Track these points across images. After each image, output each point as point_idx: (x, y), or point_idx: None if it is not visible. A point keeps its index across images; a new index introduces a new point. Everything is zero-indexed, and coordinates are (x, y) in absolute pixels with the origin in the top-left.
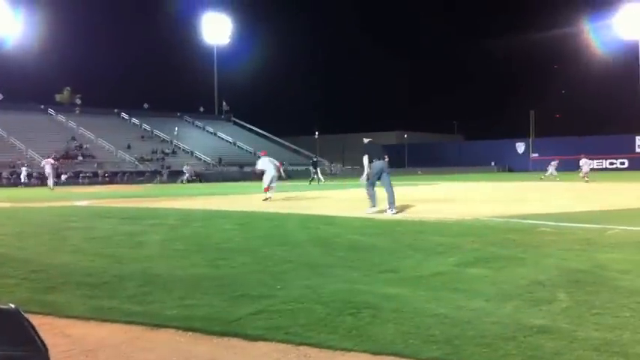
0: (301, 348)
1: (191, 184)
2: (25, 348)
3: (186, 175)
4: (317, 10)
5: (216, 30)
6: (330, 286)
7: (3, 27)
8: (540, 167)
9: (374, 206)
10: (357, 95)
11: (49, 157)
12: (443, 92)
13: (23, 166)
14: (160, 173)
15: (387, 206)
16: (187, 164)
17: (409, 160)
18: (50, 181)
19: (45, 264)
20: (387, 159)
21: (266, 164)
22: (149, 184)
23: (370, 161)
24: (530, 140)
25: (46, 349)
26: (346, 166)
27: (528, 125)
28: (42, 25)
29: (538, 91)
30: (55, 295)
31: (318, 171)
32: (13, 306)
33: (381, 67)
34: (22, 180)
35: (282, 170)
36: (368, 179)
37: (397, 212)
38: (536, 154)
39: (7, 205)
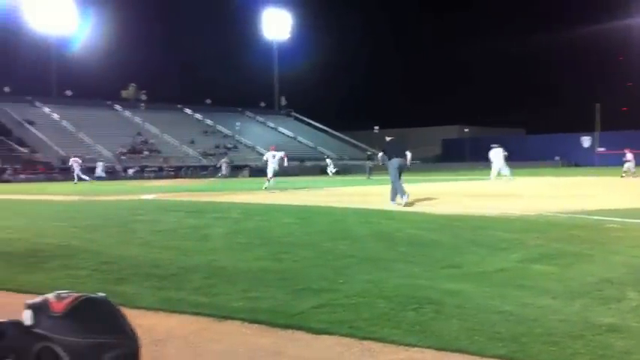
0: (365, 342)
1: (249, 179)
2: (116, 336)
3: (223, 171)
4: (376, 2)
5: (277, 25)
6: (392, 281)
7: (71, 26)
8: (607, 162)
9: (402, 196)
10: (418, 89)
11: (75, 156)
12: (505, 85)
13: (100, 160)
14: (222, 168)
15: (390, 198)
16: (224, 160)
17: (470, 155)
18: (76, 177)
19: (114, 256)
20: (408, 156)
21: (270, 157)
22: (211, 179)
23: (389, 158)
24: (597, 134)
25: (136, 338)
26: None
27: (593, 119)
28: (108, 24)
29: (603, 83)
30: (125, 286)
31: (367, 166)
32: (102, 294)
33: (442, 60)
34: (99, 175)
35: (285, 161)
36: (394, 174)
37: (399, 205)
38: (603, 148)
39: (76, 198)
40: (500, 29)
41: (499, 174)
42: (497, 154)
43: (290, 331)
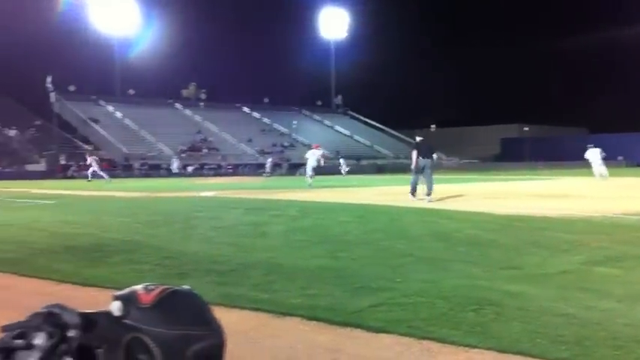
0: (424, 342)
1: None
2: (203, 328)
3: (267, 170)
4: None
5: (334, 24)
6: (450, 281)
7: (134, 27)
8: None
9: (411, 193)
10: (476, 87)
11: (91, 155)
12: (566, 84)
13: (174, 157)
14: (279, 166)
15: (426, 194)
16: (270, 159)
17: (530, 154)
18: (92, 174)
19: (176, 251)
20: (435, 157)
21: (310, 155)
22: (269, 176)
23: (418, 157)
24: None
25: (222, 330)
26: (464, 160)
27: None
28: (169, 24)
29: None
30: (186, 281)
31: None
32: (188, 287)
33: (501, 58)
34: (175, 171)
35: (322, 161)
36: (416, 172)
37: (432, 201)
38: None
39: (138, 194)
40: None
41: (600, 174)
42: (594, 154)
43: (348, 329)
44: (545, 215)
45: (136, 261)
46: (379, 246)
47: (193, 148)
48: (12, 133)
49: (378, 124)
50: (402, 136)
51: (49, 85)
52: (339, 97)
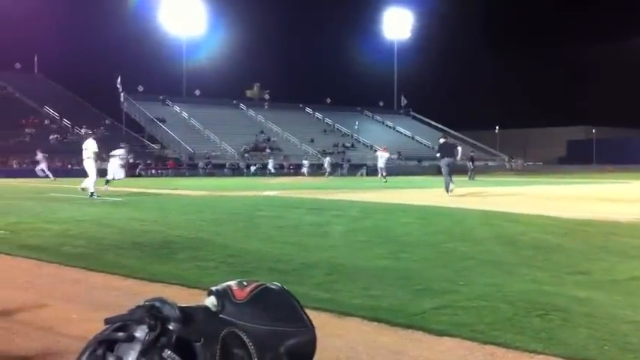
0: (487, 347)
1: (367, 177)
2: (295, 325)
3: (327, 169)
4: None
5: (397, 25)
6: (515, 286)
7: (201, 29)
8: None
9: (447, 190)
10: (541, 89)
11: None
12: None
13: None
14: (340, 166)
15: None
16: (328, 159)
17: (597, 157)
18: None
19: (239, 249)
20: (458, 154)
21: (378, 157)
22: (331, 177)
23: (441, 157)
24: None
25: (313, 327)
26: (528, 162)
27: None
28: (234, 27)
29: None
30: (250, 279)
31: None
32: (278, 285)
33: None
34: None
35: (381, 161)
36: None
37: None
38: None
39: (203, 193)
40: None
41: None
42: None
43: (410, 331)
44: (613, 220)
45: (200, 258)
46: (442, 248)
47: (256, 148)
48: (82, 131)
49: (440, 125)
50: (465, 138)
51: (119, 86)
52: (402, 98)
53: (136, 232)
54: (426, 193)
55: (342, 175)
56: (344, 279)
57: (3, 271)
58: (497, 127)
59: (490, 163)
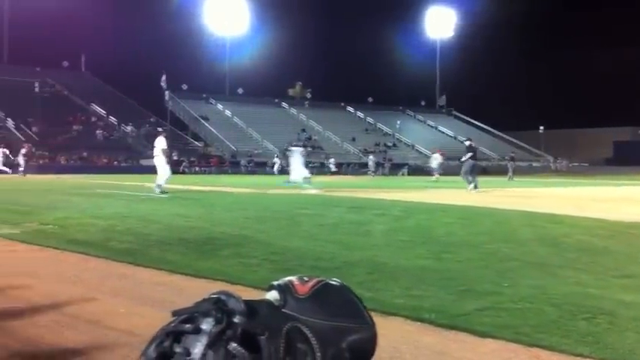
0: (532, 349)
1: (408, 177)
2: (356, 321)
3: (371, 169)
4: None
5: (440, 24)
6: (560, 288)
7: (244, 28)
8: None
9: (470, 188)
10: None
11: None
12: None
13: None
14: (382, 165)
15: (470, 189)
16: (371, 157)
17: None
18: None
19: (281, 247)
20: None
21: (434, 158)
22: (375, 176)
23: (474, 158)
24: None
25: (374, 323)
26: (573, 163)
27: None
28: (277, 26)
29: None
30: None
31: (510, 167)
32: (338, 280)
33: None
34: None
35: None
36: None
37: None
38: None
39: (246, 190)
40: None
41: None
42: None
43: (454, 332)
44: None
45: (244, 255)
46: (484, 249)
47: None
48: (128, 129)
49: (482, 125)
50: (508, 138)
51: (164, 84)
52: (444, 98)
53: (181, 228)
54: (467, 194)
55: (383, 174)
56: (386, 278)
57: (52, 265)
58: (541, 128)
59: (534, 164)
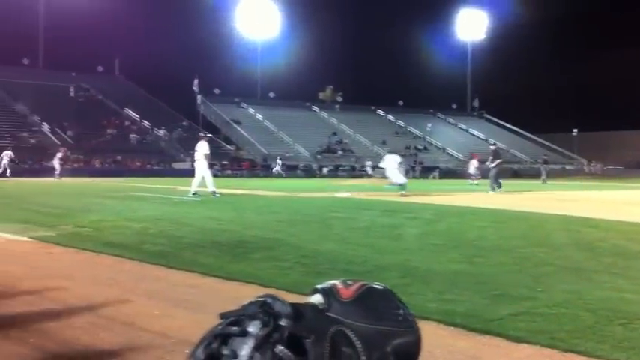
0: (567, 355)
1: (439, 180)
2: (400, 324)
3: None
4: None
5: (472, 26)
6: (595, 293)
7: (275, 32)
8: None
9: (492, 189)
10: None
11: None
12: None
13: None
14: (413, 169)
15: (489, 190)
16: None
17: None
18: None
19: (313, 250)
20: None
21: (472, 164)
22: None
23: (500, 162)
24: None
25: (418, 327)
26: (608, 166)
27: None
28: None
29: None
30: (324, 280)
31: (544, 170)
32: (382, 284)
33: None
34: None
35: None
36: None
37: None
38: None
39: (277, 194)
40: None
41: None
42: None
43: (487, 337)
44: None
45: (276, 258)
46: (518, 253)
47: (329, 150)
48: (161, 132)
49: (514, 128)
50: (541, 140)
51: (196, 88)
52: (475, 100)
53: (214, 231)
54: (499, 197)
55: (414, 177)
56: (418, 282)
57: (88, 267)
58: (574, 130)
59: (567, 167)
